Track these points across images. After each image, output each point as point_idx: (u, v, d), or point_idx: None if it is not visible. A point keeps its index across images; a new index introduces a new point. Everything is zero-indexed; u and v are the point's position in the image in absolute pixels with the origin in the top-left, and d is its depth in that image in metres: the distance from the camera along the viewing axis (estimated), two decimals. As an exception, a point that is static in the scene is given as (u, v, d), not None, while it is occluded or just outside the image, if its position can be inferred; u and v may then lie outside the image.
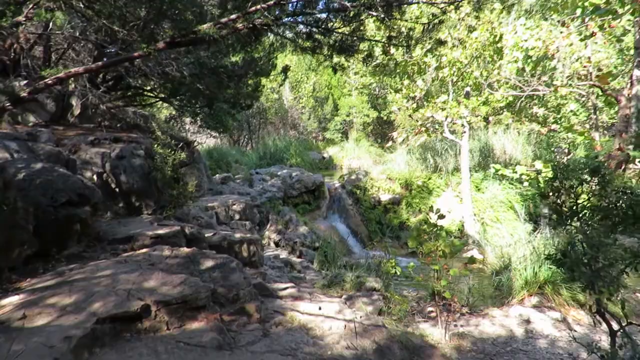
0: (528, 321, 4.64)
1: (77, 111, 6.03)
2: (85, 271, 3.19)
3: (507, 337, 4.31)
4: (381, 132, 30.52)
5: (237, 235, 4.82)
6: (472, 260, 8.59)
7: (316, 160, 16.23)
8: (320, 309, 3.74)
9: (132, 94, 7.75)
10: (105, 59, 5.80)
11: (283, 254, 7.18)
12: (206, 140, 21.43)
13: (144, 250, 3.77)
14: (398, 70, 9.75)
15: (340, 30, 4.07)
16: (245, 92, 8.79)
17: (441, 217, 4.73)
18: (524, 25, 8.59)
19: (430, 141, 12.31)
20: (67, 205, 3.67)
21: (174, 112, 11.22)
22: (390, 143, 11.56)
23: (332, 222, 10.29)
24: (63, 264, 3.44)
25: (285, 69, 6.86)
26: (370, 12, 3.59)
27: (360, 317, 3.72)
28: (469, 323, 4.67)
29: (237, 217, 7.54)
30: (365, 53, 4.35)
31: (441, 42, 5.59)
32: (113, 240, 4.07)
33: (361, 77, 28.54)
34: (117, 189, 5.17)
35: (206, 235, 5.00)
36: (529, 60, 8.72)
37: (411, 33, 4.47)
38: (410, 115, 9.84)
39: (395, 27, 4.19)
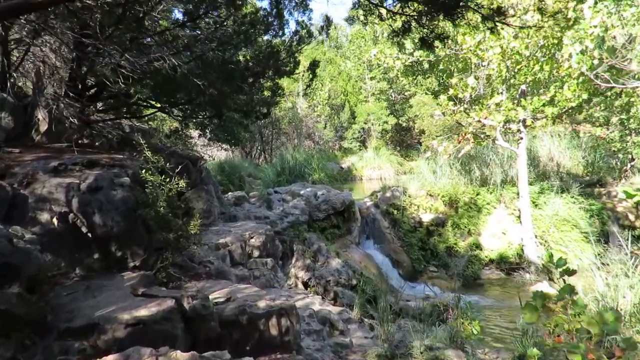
0: None
1: (43, 127, 4.55)
2: None
3: None
4: (399, 139, 28.97)
5: (262, 304, 3.24)
6: (542, 297, 6.92)
7: (334, 171, 14.67)
8: None
9: (121, 104, 6.30)
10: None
11: (316, 302, 5.59)
12: (217, 153, 20.07)
13: (111, 359, 2.21)
14: (441, 67, 8.17)
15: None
16: (261, 97, 7.31)
17: (571, 272, 3.10)
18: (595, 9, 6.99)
19: (473, 150, 10.66)
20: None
21: (177, 126, 9.80)
22: (428, 153, 9.94)
23: (366, 249, 8.67)
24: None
25: (314, 66, 5.34)
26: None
27: None
28: None
29: (255, 253, 5.98)
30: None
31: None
32: (66, 332, 2.53)
33: (377, 82, 27.07)
34: (89, 234, 3.64)
35: (215, 299, 3.44)
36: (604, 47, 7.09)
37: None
38: (457, 121, 8.25)
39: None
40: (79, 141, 4.93)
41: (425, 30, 3.22)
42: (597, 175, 11.72)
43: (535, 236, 8.81)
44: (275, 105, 7.13)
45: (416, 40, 8.83)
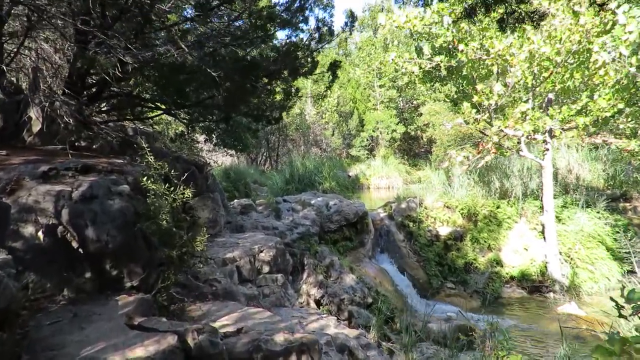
0: None
1: (36, 127, 4.10)
2: None
3: None
4: (407, 148, 28.53)
5: (280, 339, 2.75)
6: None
7: (345, 180, 14.17)
8: None
9: (124, 105, 5.86)
10: None
11: (331, 324, 5.08)
12: (222, 159, 19.69)
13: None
14: (464, 73, 7.70)
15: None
16: (273, 101, 6.88)
17: None
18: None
19: (491, 161, 10.16)
20: None
21: (183, 129, 9.38)
22: (445, 163, 9.44)
23: (381, 263, 8.16)
24: None
25: (335, 67, 4.88)
26: None
27: None
28: None
29: (265, 269, 5.49)
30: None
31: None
32: (43, 377, 2.05)
33: (387, 90, 26.66)
34: (80, 250, 3.17)
35: (223, 329, 2.96)
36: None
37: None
38: (481, 131, 7.75)
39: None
40: (76, 143, 4.48)
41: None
42: (619, 189, 11.19)
43: (560, 253, 8.28)
44: (289, 109, 6.67)
45: (437, 44, 8.42)
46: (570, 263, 8.20)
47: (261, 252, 5.60)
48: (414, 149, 28.82)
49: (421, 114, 27.55)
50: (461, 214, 8.90)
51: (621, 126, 9.68)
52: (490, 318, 6.85)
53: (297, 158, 11.02)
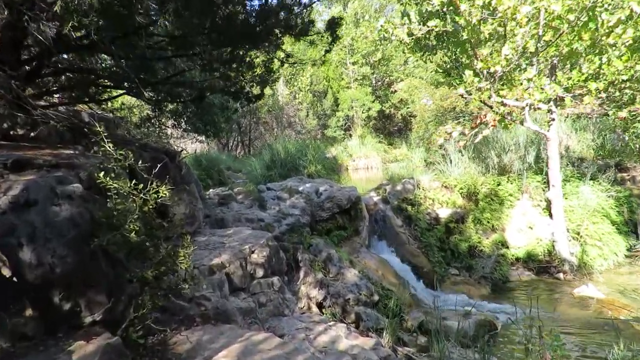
0: None
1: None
2: None
3: None
4: (382, 126, 27.92)
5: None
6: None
7: (328, 162, 13.32)
8: None
9: (76, 83, 4.80)
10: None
11: (341, 332, 4.29)
12: (192, 146, 18.51)
13: None
14: (465, 37, 6.89)
15: None
16: (253, 75, 5.94)
17: None
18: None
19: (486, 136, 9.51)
20: None
21: (150, 113, 8.29)
22: (440, 140, 8.72)
23: (380, 253, 7.42)
24: None
25: (334, 24, 3.98)
26: None
27: None
28: None
29: (259, 273, 4.63)
30: None
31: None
32: None
33: (360, 67, 25.78)
34: (14, 279, 2.24)
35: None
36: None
37: None
38: (483, 101, 7.01)
39: None
40: (11, 132, 3.46)
41: None
42: (609, 158, 10.81)
43: (567, 230, 7.76)
44: (273, 83, 5.75)
45: (430, 8, 7.62)
46: (579, 240, 7.68)
47: (253, 252, 4.73)
48: (388, 128, 28.22)
49: (395, 91, 26.88)
50: (461, 194, 8.24)
51: (616, 93, 9.08)
52: (509, 307, 6.26)
53: (278, 141, 10.09)
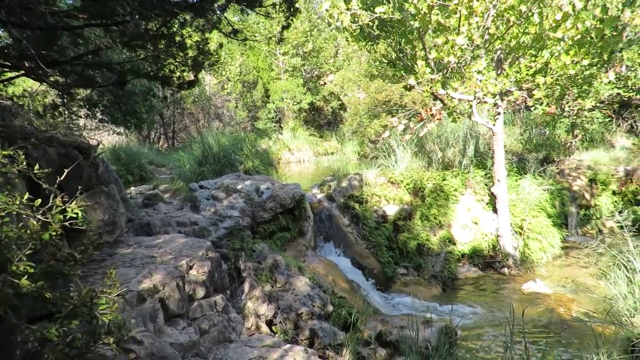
0: None
1: None
2: None
3: None
4: (312, 119, 27.57)
5: None
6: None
7: (266, 157, 12.54)
8: None
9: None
10: None
11: (299, 357, 3.68)
12: (108, 139, 16.78)
13: None
14: (416, 25, 6.49)
15: None
16: (185, 57, 5.13)
17: None
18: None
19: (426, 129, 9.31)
20: None
21: (57, 100, 7.03)
22: (387, 133, 8.34)
23: (327, 255, 6.88)
24: None
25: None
26: None
27: None
28: None
29: (200, 293, 3.85)
30: None
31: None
32: None
33: (291, 57, 25.08)
34: None
35: None
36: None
37: None
38: (433, 94, 6.67)
39: None
40: None
41: None
42: (536, 152, 11.20)
43: (511, 224, 7.75)
44: (210, 68, 4.94)
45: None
46: (521, 235, 7.71)
47: (191, 268, 3.93)
48: (318, 120, 27.90)
49: (325, 84, 26.55)
50: (407, 190, 7.93)
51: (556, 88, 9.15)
52: (462, 308, 6.02)
53: (209, 133, 9.14)
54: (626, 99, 11.15)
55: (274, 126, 23.17)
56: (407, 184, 7.93)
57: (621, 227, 5.25)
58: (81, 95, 6.65)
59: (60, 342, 1.74)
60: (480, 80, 6.34)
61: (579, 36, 5.91)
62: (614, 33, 5.83)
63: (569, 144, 11.05)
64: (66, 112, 6.41)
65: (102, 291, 1.86)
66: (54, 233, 1.65)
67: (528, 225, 7.71)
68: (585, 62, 6.08)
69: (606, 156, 10.37)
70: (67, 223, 1.89)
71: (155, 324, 3.12)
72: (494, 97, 7.12)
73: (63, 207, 1.72)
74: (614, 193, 9.75)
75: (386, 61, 8.27)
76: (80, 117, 7.59)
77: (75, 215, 1.73)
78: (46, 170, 1.91)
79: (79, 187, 3.87)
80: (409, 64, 7.25)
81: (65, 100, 5.93)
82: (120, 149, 11.96)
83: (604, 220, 9.75)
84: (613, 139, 12.56)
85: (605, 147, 11.35)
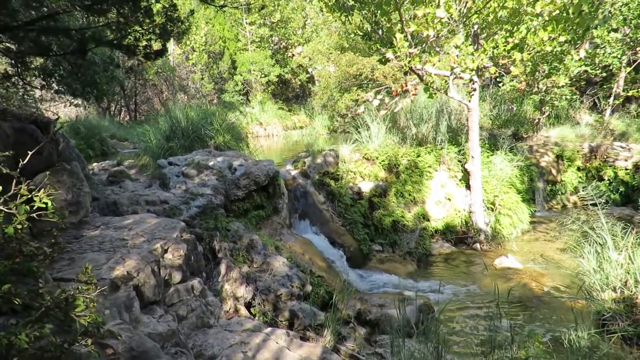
0: None
1: None
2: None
3: None
4: (280, 92, 27.09)
5: None
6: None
7: (237, 131, 12.16)
8: None
9: None
10: None
11: (281, 340, 3.58)
12: (64, 110, 15.87)
13: None
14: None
15: None
16: (152, 24, 4.78)
17: None
18: None
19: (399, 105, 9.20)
20: None
21: (10, 69, 6.46)
22: (362, 108, 8.19)
23: (303, 233, 6.77)
24: None
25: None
26: None
27: None
28: None
29: (176, 277, 3.65)
30: None
31: None
32: None
33: (258, 28, 24.29)
34: None
35: None
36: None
37: None
38: (411, 68, 6.52)
39: None
40: None
41: None
42: (506, 128, 11.37)
43: (483, 200, 7.85)
44: (180, 37, 4.61)
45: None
46: (493, 210, 7.83)
47: (166, 252, 3.72)
48: (286, 94, 27.40)
49: (293, 55, 25.94)
50: (382, 166, 7.86)
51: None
52: (437, 284, 6.06)
53: (177, 106, 8.70)
54: (593, 76, 11.38)
55: (242, 99, 22.55)
56: (382, 161, 7.86)
57: (594, 205, 5.35)
58: (36, 64, 6.13)
59: (30, 347, 1.54)
60: (458, 56, 6.25)
61: (556, 12, 5.87)
62: (591, 10, 5.84)
63: (536, 120, 11.24)
64: (20, 83, 5.92)
65: (76, 289, 1.65)
66: (19, 226, 1.42)
67: (500, 201, 7.84)
68: (562, 38, 6.07)
69: (572, 133, 10.64)
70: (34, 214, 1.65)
71: (131, 314, 2.92)
72: (471, 73, 7.05)
73: (29, 195, 1.49)
74: (578, 169, 10.05)
75: (361, 33, 8.03)
76: (36, 87, 7.03)
77: (44, 205, 1.50)
78: (5, 152, 1.65)
79: (40, 166, 3.55)
80: (386, 36, 7.05)
81: (18, 70, 5.46)
82: (79, 122, 11.33)
83: (568, 195, 10.07)
84: (577, 115, 12.89)
85: (571, 123, 11.62)
